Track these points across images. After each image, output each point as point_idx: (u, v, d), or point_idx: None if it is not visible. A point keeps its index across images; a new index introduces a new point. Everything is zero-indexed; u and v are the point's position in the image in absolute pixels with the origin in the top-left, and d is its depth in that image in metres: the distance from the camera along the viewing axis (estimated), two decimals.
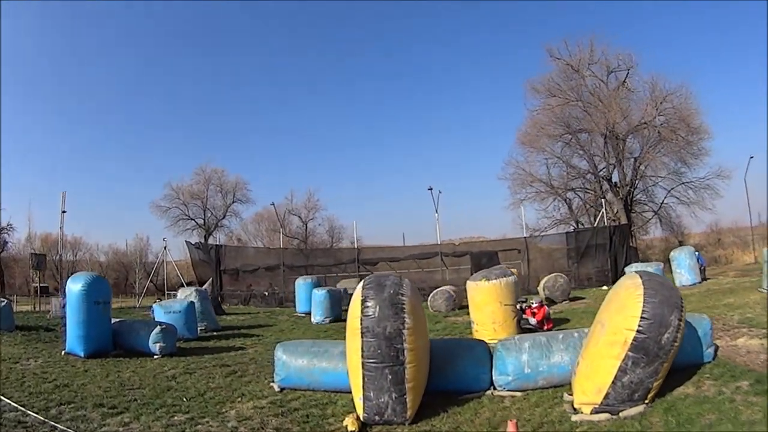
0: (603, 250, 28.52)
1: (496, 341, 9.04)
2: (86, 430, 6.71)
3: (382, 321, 6.70)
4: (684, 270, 20.77)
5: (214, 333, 16.59)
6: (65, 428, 6.66)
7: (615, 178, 38.34)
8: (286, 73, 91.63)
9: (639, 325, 6.37)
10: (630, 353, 6.43)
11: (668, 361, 6.63)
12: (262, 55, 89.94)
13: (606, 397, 6.59)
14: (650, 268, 18.32)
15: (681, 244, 37.88)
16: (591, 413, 6.64)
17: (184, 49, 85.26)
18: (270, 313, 24.01)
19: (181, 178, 56.28)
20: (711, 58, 72.81)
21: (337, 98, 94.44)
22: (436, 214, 31.16)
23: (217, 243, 35.52)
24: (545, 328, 12.35)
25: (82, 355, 11.33)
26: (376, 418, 6.77)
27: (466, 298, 13.72)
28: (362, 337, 6.76)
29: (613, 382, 6.54)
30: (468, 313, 18.23)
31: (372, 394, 6.74)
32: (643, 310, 6.39)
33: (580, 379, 6.93)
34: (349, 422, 6.70)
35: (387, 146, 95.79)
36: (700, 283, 20.76)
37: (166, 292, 33.73)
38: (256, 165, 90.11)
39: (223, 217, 55.89)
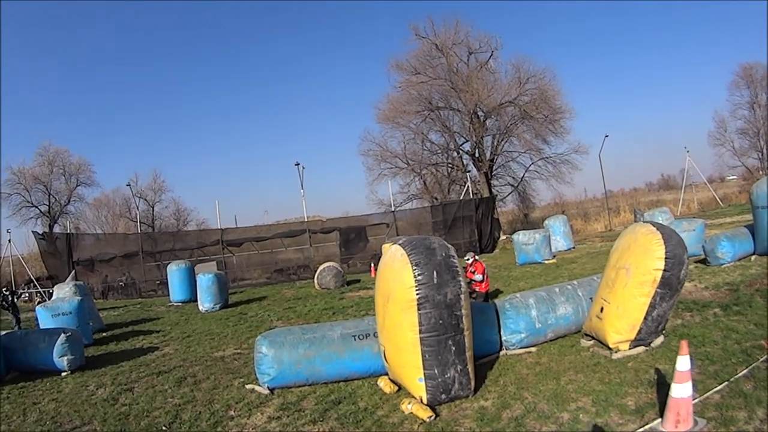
0: (470, 222, 29.79)
1: None
2: None
3: (442, 288, 5.96)
4: (559, 236, 22.55)
5: (103, 334, 14.01)
6: None
7: (476, 153, 40.09)
8: (126, 45, 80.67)
9: (665, 265, 6.81)
10: (658, 290, 6.88)
11: (679, 294, 7.36)
12: (101, 28, 78.00)
13: (639, 332, 7.03)
14: (537, 234, 19.69)
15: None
16: (629, 348, 7.05)
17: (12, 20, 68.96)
18: (140, 305, 21.17)
19: (22, 160, 47.67)
20: (578, 48, 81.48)
21: (188, 70, 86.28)
22: (302, 191, 30.05)
23: (68, 231, 30.66)
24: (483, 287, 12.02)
25: None
26: (443, 396, 6.08)
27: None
28: (419, 309, 5.94)
29: (644, 318, 6.99)
30: (361, 289, 18.24)
31: (436, 371, 6.00)
32: (666, 251, 6.83)
33: (612, 320, 7.15)
34: (417, 409, 5.90)
35: (241, 124, 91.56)
36: (574, 248, 22.89)
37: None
38: (96, 146, 78.42)
39: (68, 203, 48.60)
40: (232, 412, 6.79)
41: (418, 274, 5.99)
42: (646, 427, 4.90)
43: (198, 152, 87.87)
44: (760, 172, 41.12)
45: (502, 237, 30.71)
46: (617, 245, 7.67)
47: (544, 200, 46.29)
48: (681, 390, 4.70)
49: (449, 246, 6.43)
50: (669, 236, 6.96)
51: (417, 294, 5.96)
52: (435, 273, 5.99)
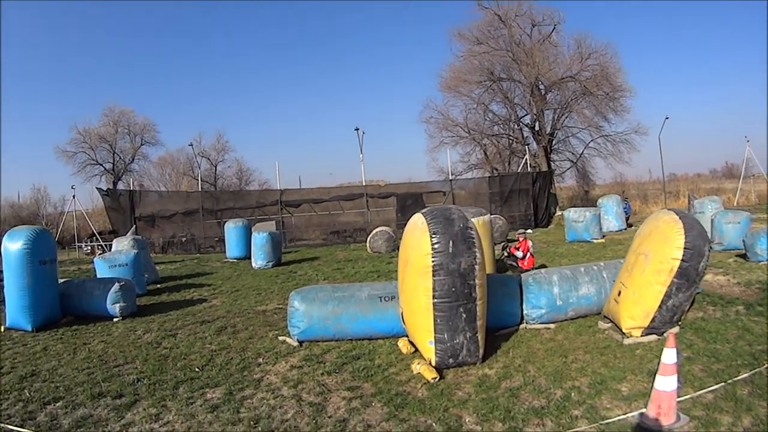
0: (526, 195, 29.85)
1: None
2: None
3: (457, 257, 6.30)
4: (611, 216, 22.46)
5: (157, 285, 15.11)
6: None
7: (536, 127, 39.81)
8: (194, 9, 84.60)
9: (683, 255, 6.83)
10: (675, 279, 6.90)
11: (698, 286, 7.39)
12: None
13: (653, 320, 7.09)
14: (588, 212, 19.56)
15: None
16: (641, 335, 7.14)
17: None
18: (197, 260, 22.52)
19: (87, 120, 51.29)
20: (641, 25, 77.62)
21: (250, 35, 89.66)
22: (361, 155, 30.63)
23: (131, 188, 32.69)
24: (525, 264, 12.28)
25: (29, 328, 9.57)
26: (450, 360, 6.46)
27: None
28: (433, 275, 6.32)
29: (659, 306, 7.02)
30: None
31: (446, 335, 6.38)
32: (685, 241, 6.83)
33: (628, 305, 7.26)
34: (424, 369, 6.32)
35: (304, 86, 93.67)
36: (625, 229, 22.66)
37: (76, 245, 30.90)
38: (161, 106, 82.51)
39: (132, 161, 51.97)
40: (260, 360, 7.38)
41: (435, 243, 6.35)
42: (628, 415, 5.04)
43: (266, 116, 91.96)
44: None
45: (558, 212, 30.46)
46: (641, 230, 7.76)
47: (603, 179, 45.59)
48: (665, 383, 4.74)
49: (468, 218, 6.76)
50: (691, 226, 6.96)
51: (433, 261, 6.32)
52: (451, 243, 6.32)
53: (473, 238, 6.51)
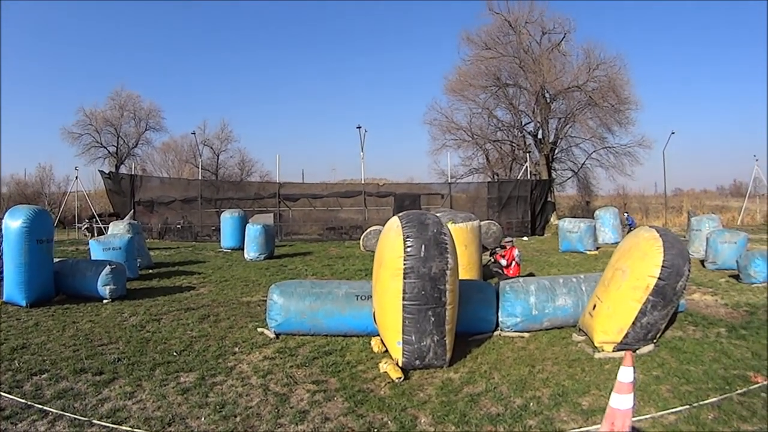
0: (524, 202, 30.04)
1: None
2: (86, 409, 5.42)
3: (428, 261, 6.33)
4: (608, 228, 22.44)
5: (150, 270, 15.39)
6: (59, 411, 5.34)
7: (539, 135, 39.80)
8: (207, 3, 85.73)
9: (660, 273, 6.80)
10: (651, 297, 6.87)
11: (675, 305, 7.30)
12: None
13: (626, 336, 7.06)
14: (582, 224, 19.49)
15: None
16: (613, 351, 7.10)
17: None
18: (192, 248, 22.86)
19: (94, 103, 52.05)
20: (651, 39, 78.50)
21: (259, 31, 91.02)
22: (362, 153, 30.91)
23: (132, 173, 33.07)
24: (511, 272, 12.27)
25: (23, 304, 9.93)
26: (417, 362, 6.51)
27: None
28: (404, 278, 6.36)
29: (633, 323, 7.00)
30: None
31: (413, 337, 6.43)
32: (663, 260, 6.79)
33: (602, 319, 7.24)
34: (390, 369, 6.38)
35: (310, 82, 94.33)
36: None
37: (77, 225, 31.46)
38: (166, 92, 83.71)
39: (136, 146, 52.33)
40: (236, 349, 7.54)
41: (408, 246, 6.38)
42: (582, 429, 5.01)
43: (271, 110, 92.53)
44: None
45: (553, 221, 30.49)
46: (621, 245, 7.72)
47: (604, 190, 45.66)
48: (619, 401, 4.55)
49: (443, 224, 6.78)
50: (671, 244, 6.92)
51: (404, 264, 6.36)
52: (423, 247, 6.35)
53: (446, 243, 6.53)
